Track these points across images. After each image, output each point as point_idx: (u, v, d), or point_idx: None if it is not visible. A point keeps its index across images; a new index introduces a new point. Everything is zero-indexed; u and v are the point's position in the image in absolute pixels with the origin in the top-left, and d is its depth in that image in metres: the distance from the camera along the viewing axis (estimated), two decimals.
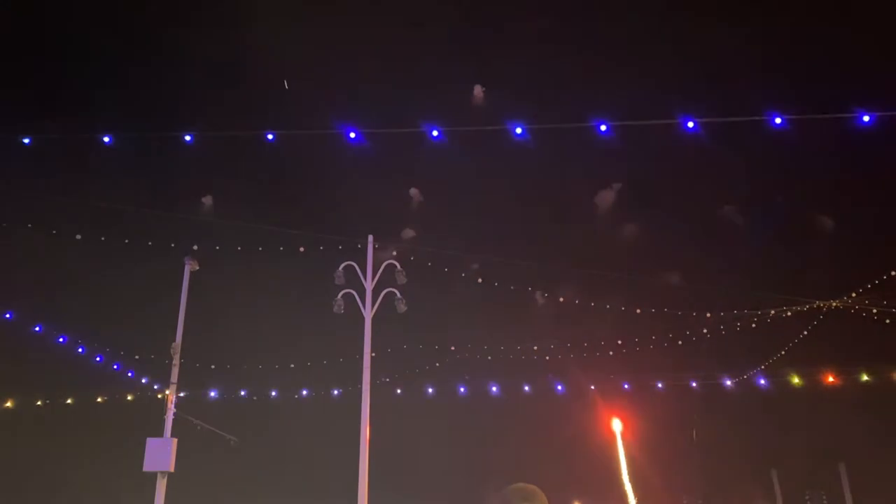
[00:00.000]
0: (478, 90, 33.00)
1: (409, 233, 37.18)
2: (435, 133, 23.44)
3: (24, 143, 24.06)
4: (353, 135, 23.57)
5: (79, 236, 27.37)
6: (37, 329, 34.24)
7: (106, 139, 23.75)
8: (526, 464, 34.79)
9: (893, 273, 29.47)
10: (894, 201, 30.90)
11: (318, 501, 39.82)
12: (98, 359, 37.45)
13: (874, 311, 31.17)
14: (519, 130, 23.37)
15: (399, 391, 40.76)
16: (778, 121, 22.69)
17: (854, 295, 30.91)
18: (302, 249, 28.55)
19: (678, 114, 23.54)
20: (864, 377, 38.49)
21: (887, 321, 31.40)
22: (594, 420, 39.92)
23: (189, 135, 23.69)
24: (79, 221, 27.97)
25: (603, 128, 23.65)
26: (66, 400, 39.62)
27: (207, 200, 34.49)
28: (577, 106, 28.22)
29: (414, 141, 25.45)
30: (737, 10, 29.76)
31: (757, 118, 22.89)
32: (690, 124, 23.20)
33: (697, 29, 28.73)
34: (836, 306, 31.47)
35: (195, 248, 25.91)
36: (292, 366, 37.65)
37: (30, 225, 27.09)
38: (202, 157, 26.73)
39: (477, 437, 39.71)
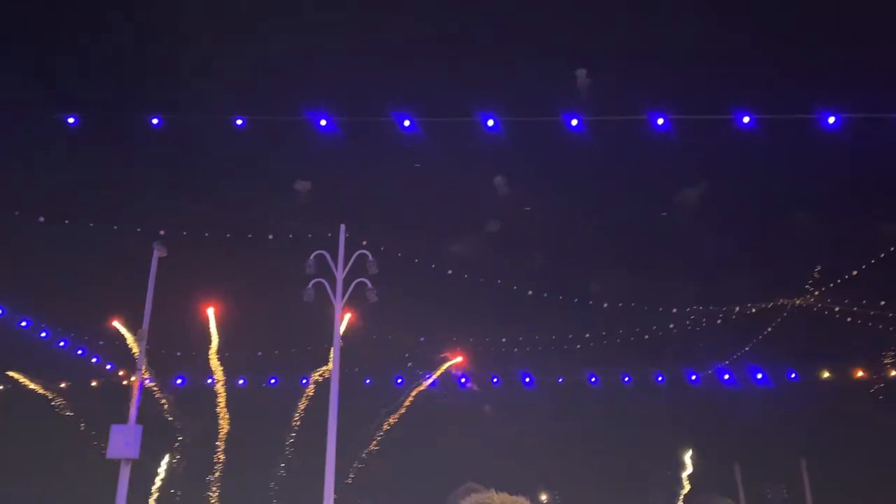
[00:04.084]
0: (581, 75, 31.45)
1: (494, 225, 36.29)
2: (406, 122, 23.49)
3: None
4: (323, 122, 23.48)
5: (42, 218, 26.87)
6: None
7: (71, 119, 23.39)
8: (492, 458, 35.06)
9: (855, 272, 30.13)
10: (857, 200, 31.50)
11: (284, 490, 39.79)
12: (62, 343, 36.96)
13: (836, 309, 31.84)
14: (490, 123, 23.50)
15: (368, 381, 40.81)
16: (746, 119, 23.05)
17: (817, 293, 31.53)
18: (271, 237, 28.38)
19: (651, 111, 23.83)
20: (826, 374, 39.29)
21: (849, 319, 32.10)
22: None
23: (157, 117, 23.43)
24: (42, 203, 27.48)
25: (573, 120, 23.88)
26: (29, 385, 39.03)
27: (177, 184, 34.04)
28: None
29: (385, 129, 25.38)
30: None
31: (723, 116, 23.24)
32: (661, 121, 23.47)
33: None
34: (799, 304, 32.08)
35: (162, 233, 25.65)
36: (260, 353, 37.54)
37: None
38: (170, 141, 26.45)
39: (447, 430, 39.88)
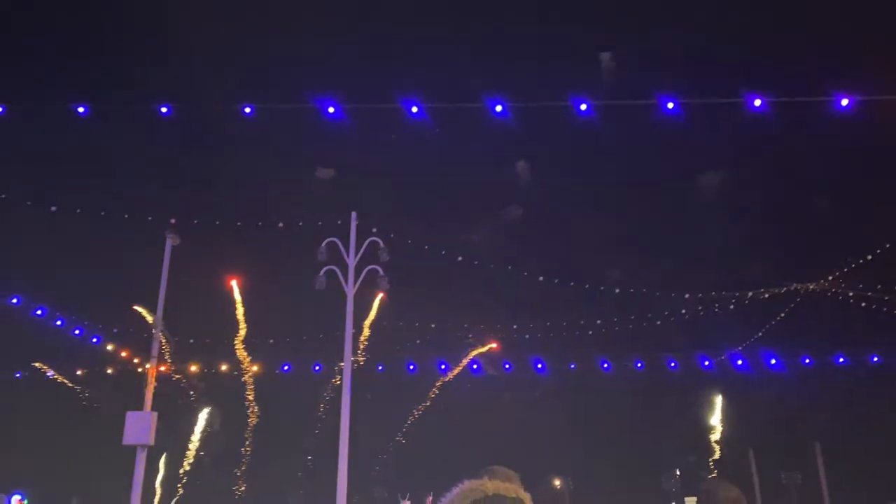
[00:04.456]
0: (606, 58, 30.90)
1: (506, 212, 36.02)
2: (415, 109, 23.41)
3: None
4: (331, 109, 23.46)
5: (53, 208, 27.11)
6: (14, 301, 34.05)
7: (81, 109, 23.49)
8: (507, 445, 35.11)
9: (870, 257, 29.75)
10: (871, 185, 31.08)
11: (301, 478, 40.09)
12: (77, 331, 37.33)
13: (850, 294, 31.49)
14: (499, 108, 23.36)
15: (381, 368, 40.88)
16: (757, 102, 22.77)
17: (831, 278, 31.18)
18: (281, 225, 28.46)
19: (659, 94, 23.58)
20: (841, 359, 39.03)
21: (863, 304, 31.75)
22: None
23: (166, 106, 23.49)
24: (54, 193, 27.71)
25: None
26: (46, 372, 39.44)
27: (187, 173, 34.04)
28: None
29: (394, 116, 25.26)
30: None
31: (736, 100, 22.95)
32: (670, 105, 23.23)
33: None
34: (812, 289, 31.76)
35: (173, 221, 25.84)
36: (271, 341, 37.67)
37: (3, 196, 26.73)
38: (179, 130, 26.53)
39: (459, 419, 39.90)
